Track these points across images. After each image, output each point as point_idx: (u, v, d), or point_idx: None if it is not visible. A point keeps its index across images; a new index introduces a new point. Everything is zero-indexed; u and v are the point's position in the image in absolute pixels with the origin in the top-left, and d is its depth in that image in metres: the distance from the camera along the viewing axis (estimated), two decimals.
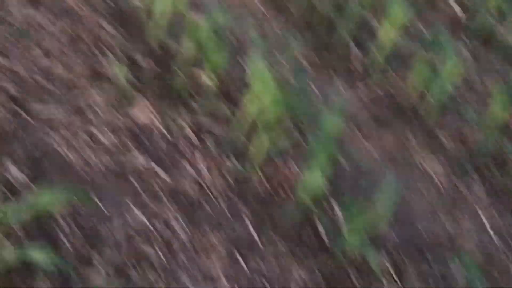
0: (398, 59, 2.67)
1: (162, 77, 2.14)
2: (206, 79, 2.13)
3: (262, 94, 1.83)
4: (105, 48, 2.19)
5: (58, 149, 1.74)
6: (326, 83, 2.49)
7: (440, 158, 2.33)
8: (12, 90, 1.88)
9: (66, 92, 1.96)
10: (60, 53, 2.10)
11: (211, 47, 1.92)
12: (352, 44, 2.68)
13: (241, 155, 1.93)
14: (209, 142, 1.95)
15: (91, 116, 1.90)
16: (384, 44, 2.48)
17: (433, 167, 2.28)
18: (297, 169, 1.94)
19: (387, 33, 2.43)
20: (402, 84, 2.59)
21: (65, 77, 2.01)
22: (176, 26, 2.40)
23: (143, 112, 1.96)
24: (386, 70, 2.66)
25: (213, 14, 2.10)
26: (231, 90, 2.17)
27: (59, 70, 2.02)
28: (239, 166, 1.88)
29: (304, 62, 2.48)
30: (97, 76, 2.06)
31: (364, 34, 2.75)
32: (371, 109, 2.47)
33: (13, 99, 1.85)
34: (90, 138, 1.83)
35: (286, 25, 2.75)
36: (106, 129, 1.88)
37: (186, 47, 2.15)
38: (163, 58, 2.27)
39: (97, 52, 2.17)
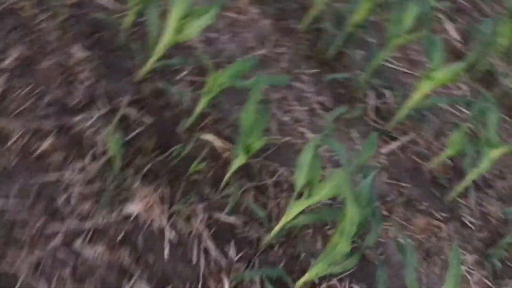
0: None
1: (165, 147, 1.56)
2: (229, 154, 1.59)
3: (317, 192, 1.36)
4: (79, 94, 1.54)
5: (24, 278, 1.15)
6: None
7: None
8: None
9: (30, 175, 1.33)
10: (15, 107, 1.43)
11: (248, 120, 1.38)
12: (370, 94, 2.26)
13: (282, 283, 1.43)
14: (235, 256, 1.45)
15: (69, 216, 1.30)
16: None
17: None
18: None
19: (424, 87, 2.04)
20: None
21: (26, 147, 1.37)
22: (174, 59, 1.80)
23: (144, 209, 1.40)
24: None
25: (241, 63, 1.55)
26: (265, 179, 1.66)
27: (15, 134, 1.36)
28: None
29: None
30: (75, 146, 1.43)
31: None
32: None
33: None
34: (73, 253, 1.25)
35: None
36: (93, 238, 1.30)
37: (202, 106, 1.57)
38: (162, 112, 1.66)
39: (70, 102, 1.52)
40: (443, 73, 1.98)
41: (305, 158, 1.38)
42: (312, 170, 1.37)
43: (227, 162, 1.64)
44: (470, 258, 1.97)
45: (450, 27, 3.24)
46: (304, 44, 2.34)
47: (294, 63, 2.25)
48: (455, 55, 3.07)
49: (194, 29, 1.55)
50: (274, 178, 1.70)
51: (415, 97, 2.11)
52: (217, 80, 1.50)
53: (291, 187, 1.71)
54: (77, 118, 1.47)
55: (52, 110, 1.45)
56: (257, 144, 1.39)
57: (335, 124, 2.14)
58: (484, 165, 2.00)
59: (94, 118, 1.48)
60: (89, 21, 1.72)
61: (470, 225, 2.12)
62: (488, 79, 2.99)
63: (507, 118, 2.83)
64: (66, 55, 1.59)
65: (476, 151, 2.02)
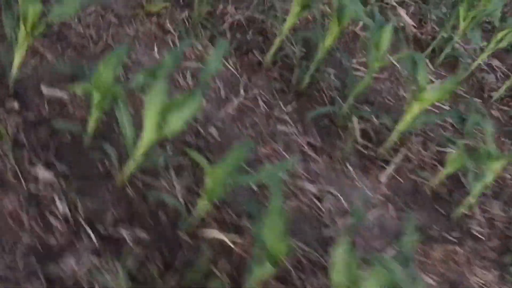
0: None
1: (171, 261, 1.35)
2: (241, 248, 1.40)
3: None
4: (58, 229, 1.29)
5: None
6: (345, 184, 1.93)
7: None
8: None
9: None
10: None
11: (272, 233, 1.20)
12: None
13: None
14: None
15: None
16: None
17: None
18: None
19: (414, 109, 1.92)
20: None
21: None
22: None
23: None
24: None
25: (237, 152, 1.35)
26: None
27: None
28: None
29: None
30: None
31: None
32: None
33: None
34: None
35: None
36: None
37: (201, 207, 1.37)
38: (157, 219, 1.42)
39: (51, 242, 1.27)
40: (433, 93, 1.87)
41: (339, 257, 1.23)
42: (349, 270, 1.23)
43: (240, 257, 1.46)
44: (491, 276, 1.93)
45: (403, 13, 3.15)
46: (275, 79, 2.15)
47: (271, 104, 2.06)
48: (412, 41, 3.00)
49: (177, 124, 1.32)
50: (294, 261, 1.55)
51: (406, 119, 1.99)
52: (216, 180, 1.30)
53: (315, 267, 1.57)
54: (65, 262, 1.23)
55: (33, 261, 1.21)
56: (283, 251, 1.22)
57: (329, 161, 2.01)
58: (488, 179, 1.94)
59: (84, 255, 1.25)
60: (42, 128, 1.45)
61: (480, 236, 2.08)
62: (452, 63, 2.94)
63: (480, 102, 2.82)
64: (30, 182, 1.33)
65: (476, 166, 1.96)
